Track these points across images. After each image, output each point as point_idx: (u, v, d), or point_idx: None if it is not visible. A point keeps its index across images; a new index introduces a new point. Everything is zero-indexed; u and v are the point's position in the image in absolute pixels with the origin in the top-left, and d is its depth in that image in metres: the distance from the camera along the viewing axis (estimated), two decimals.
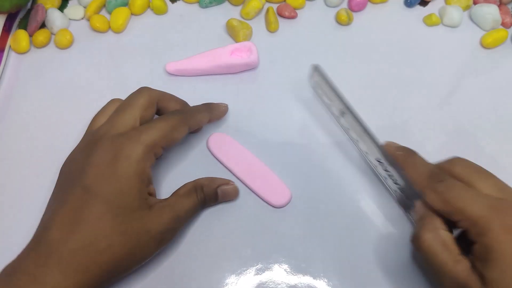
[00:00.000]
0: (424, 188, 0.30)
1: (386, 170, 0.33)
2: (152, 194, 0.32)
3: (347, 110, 0.33)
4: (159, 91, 0.35)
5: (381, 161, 0.33)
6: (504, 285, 0.25)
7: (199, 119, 0.36)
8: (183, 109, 0.36)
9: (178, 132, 0.33)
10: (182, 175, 0.36)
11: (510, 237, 0.26)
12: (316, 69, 0.35)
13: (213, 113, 0.38)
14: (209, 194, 0.35)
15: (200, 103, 0.39)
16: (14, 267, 0.28)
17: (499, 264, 0.26)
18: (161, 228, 0.31)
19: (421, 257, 0.30)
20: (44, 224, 0.29)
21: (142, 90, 0.34)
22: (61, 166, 0.33)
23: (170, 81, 0.42)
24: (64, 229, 0.28)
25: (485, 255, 0.26)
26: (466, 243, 0.28)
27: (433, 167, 0.31)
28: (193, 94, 0.40)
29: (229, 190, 0.35)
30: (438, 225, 0.29)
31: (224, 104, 0.39)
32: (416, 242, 0.30)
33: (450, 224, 0.29)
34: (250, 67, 0.42)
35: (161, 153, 0.32)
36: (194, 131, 0.39)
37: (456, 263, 0.27)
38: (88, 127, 0.35)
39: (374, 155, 0.33)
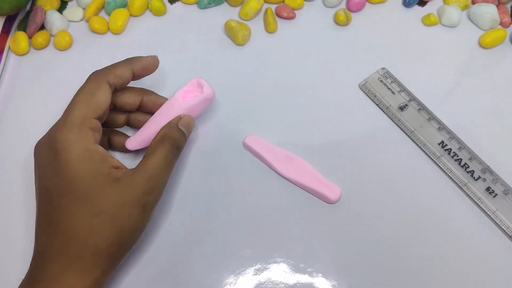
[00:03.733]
0: None
1: (453, 153, 0.36)
2: (118, 167, 0.31)
3: (410, 101, 0.38)
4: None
5: (447, 144, 0.37)
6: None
7: (118, 74, 0.33)
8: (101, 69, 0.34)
9: (101, 94, 0.31)
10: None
11: None
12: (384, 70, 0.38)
13: (135, 65, 0.34)
14: (174, 135, 0.33)
15: None
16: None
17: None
18: (138, 194, 0.29)
19: None
20: (36, 232, 0.30)
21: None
22: None
23: None
24: (47, 233, 0.29)
25: None
26: None
27: None
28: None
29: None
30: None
31: (152, 56, 0.35)
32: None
33: None
34: (210, 101, 0.36)
35: (102, 121, 0.32)
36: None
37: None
38: None
39: (437, 140, 0.37)
